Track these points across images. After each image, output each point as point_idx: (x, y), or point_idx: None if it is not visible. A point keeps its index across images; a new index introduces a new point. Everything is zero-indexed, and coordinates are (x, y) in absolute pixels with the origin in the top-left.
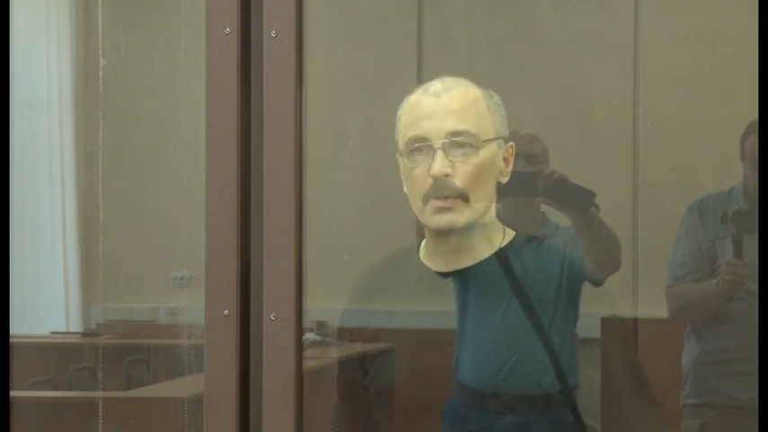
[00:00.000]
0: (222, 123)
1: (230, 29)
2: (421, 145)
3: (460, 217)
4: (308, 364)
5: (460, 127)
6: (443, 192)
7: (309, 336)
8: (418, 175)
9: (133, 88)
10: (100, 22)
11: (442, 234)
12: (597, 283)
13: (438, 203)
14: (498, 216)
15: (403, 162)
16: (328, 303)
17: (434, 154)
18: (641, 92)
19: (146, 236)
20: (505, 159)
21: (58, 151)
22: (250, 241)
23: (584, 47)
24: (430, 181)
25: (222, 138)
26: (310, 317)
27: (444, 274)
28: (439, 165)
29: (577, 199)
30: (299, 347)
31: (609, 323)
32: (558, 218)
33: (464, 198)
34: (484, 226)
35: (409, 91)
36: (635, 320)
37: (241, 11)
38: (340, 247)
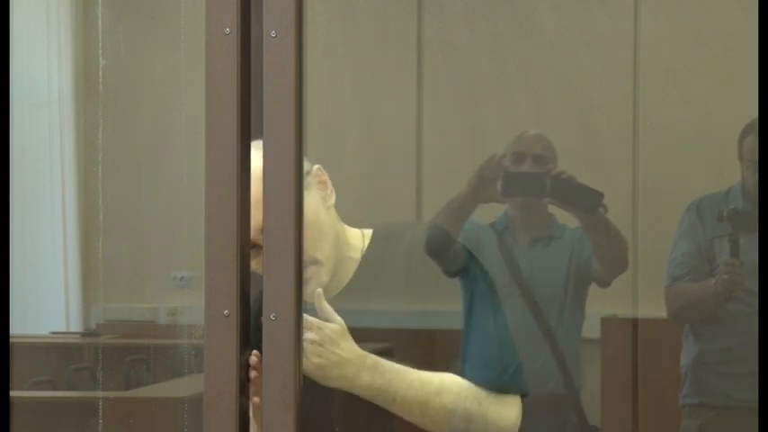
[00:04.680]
0: (222, 123)
1: (230, 29)
2: (254, 250)
3: (320, 278)
4: None
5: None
6: None
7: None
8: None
9: (133, 88)
10: (100, 22)
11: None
12: (604, 284)
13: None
14: (507, 216)
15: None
16: (328, 303)
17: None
18: (641, 92)
19: (146, 236)
20: (321, 183)
21: (58, 151)
22: (250, 241)
23: (585, 47)
24: None
25: (222, 138)
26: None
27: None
28: None
29: (585, 199)
30: (299, 347)
31: (609, 323)
32: (565, 218)
33: (313, 263)
34: (340, 254)
35: (409, 91)
36: (635, 320)
37: (241, 11)
38: None
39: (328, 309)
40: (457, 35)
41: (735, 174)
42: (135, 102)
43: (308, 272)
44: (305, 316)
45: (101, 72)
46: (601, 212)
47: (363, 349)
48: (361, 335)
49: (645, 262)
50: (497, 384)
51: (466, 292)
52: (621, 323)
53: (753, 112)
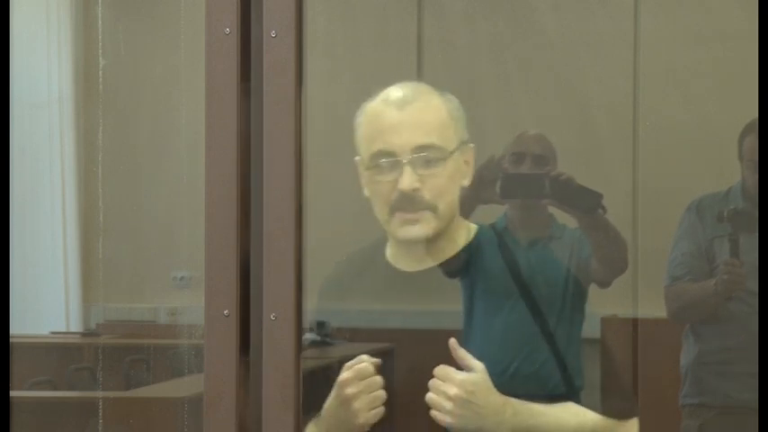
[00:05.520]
0: (222, 123)
1: (230, 29)
2: (387, 160)
3: (428, 229)
4: (307, 364)
5: (427, 140)
6: (412, 206)
7: (309, 336)
8: (384, 186)
9: (133, 88)
10: (100, 22)
11: (409, 243)
12: (603, 284)
13: (405, 216)
14: (506, 216)
15: (367, 173)
16: (328, 303)
17: (402, 168)
18: (641, 92)
19: (146, 236)
20: (467, 162)
21: (58, 151)
22: (250, 241)
23: (585, 47)
24: (396, 194)
25: (222, 138)
26: (310, 317)
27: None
28: (407, 180)
29: (584, 200)
30: (299, 347)
31: (609, 323)
32: (565, 219)
33: (433, 210)
34: (448, 228)
35: None
36: (635, 320)
37: (241, 11)
38: (340, 247)
39: (466, 355)
40: (457, 35)
41: (735, 174)
42: (135, 102)
43: (421, 215)
44: (444, 367)
45: (101, 72)
46: (600, 213)
47: (363, 349)
48: (362, 335)
49: (645, 262)
50: (497, 384)
51: (466, 293)
52: (621, 323)
53: (753, 112)
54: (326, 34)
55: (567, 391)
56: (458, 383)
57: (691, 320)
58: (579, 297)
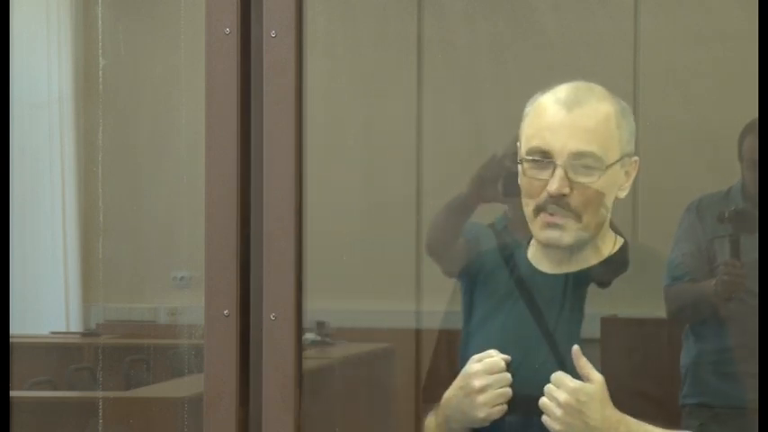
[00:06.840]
0: (222, 123)
1: (230, 29)
2: (542, 158)
3: (568, 236)
4: (308, 364)
5: (586, 148)
6: (557, 209)
7: (309, 336)
8: (534, 184)
9: (133, 88)
10: (100, 22)
11: (548, 246)
12: (604, 284)
13: (549, 218)
14: (506, 216)
15: (522, 164)
16: (328, 303)
17: (554, 170)
18: (641, 92)
19: (146, 236)
20: (627, 173)
21: (58, 151)
22: (250, 241)
23: (585, 47)
24: (545, 195)
25: (222, 138)
26: (310, 317)
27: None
28: (558, 183)
29: None
30: (299, 347)
31: (609, 323)
32: None
33: (577, 219)
34: (593, 238)
35: (409, 91)
36: (635, 320)
37: (241, 11)
38: (340, 247)
39: (587, 365)
40: (457, 35)
41: (735, 174)
42: (135, 102)
43: (564, 221)
44: (560, 373)
45: (101, 72)
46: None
47: (363, 349)
48: (362, 335)
49: None
50: None
51: (466, 293)
52: (621, 323)
53: (753, 112)
54: (326, 34)
55: None
56: (570, 391)
57: (691, 320)
58: (579, 297)
